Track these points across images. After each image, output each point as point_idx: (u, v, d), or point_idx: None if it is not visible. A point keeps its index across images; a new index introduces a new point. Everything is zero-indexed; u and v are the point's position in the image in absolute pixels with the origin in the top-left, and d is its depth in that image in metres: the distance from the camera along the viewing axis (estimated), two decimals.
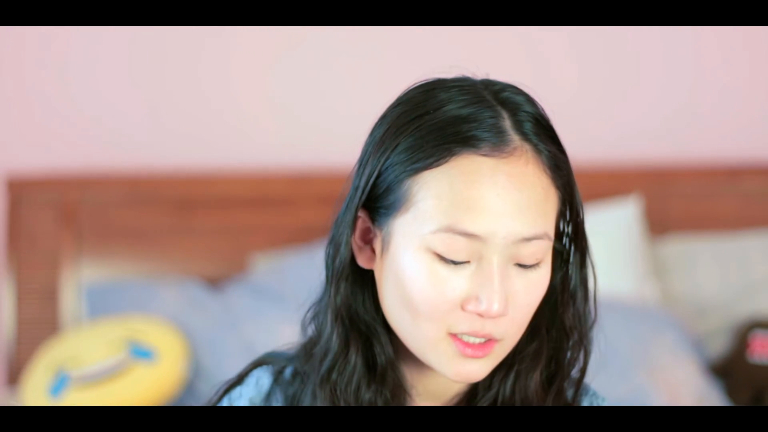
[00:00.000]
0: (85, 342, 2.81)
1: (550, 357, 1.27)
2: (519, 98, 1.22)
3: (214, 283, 3.09)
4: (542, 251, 1.18)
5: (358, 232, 1.24)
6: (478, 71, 1.26)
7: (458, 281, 1.17)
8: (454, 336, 1.19)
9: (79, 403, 2.65)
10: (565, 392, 1.27)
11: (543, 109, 1.24)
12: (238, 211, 3.18)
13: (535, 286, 1.19)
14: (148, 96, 3.24)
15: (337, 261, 1.24)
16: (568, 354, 1.27)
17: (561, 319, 1.26)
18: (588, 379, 1.31)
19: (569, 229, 1.25)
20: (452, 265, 1.17)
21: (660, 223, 3.24)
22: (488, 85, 1.23)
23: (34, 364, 2.83)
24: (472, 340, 1.19)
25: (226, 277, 3.11)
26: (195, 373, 2.77)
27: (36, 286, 3.13)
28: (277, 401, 1.31)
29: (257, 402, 1.31)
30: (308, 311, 1.30)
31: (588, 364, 1.28)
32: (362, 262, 1.25)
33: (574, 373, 1.28)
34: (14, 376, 3.09)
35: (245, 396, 1.32)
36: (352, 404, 1.24)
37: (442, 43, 3.24)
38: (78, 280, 3.12)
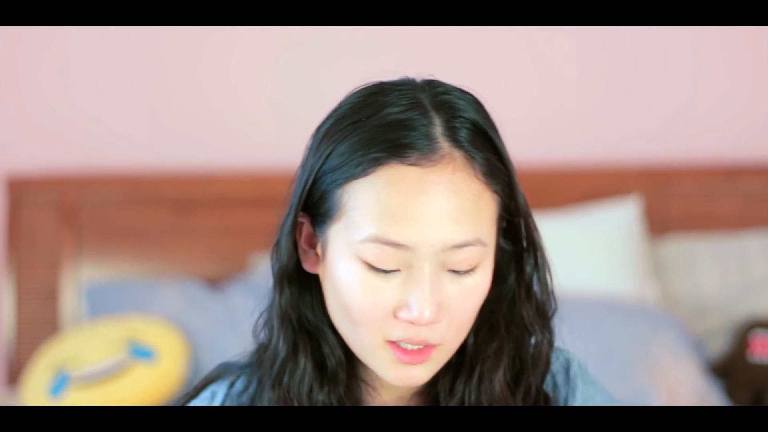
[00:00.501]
0: (85, 342, 2.81)
1: (513, 356, 1.27)
2: (460, 103, 1.21)
3: (214, 283, 3.09)
4: (476, 257, 1.18)
5: (303, 237, 1.25)
6: (424, 73, 1.25)
7: (389, 290, 1.17)
8: (391, 343, 1.19)
9: (79, 403, 2.65)
10: (533, 389, 1.27)
11: (487, 114, 1.23)
12: (238, 211, 3.18)
13: (470, 291, 1.19)
14: (149, 96, 3.24)
15: (281, 265, 1.25)
16: (531, 350, 1.27)
17: (520, 317, 1.26)
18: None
19: (520, 231, 1.25)
20: (383, 274, 1.17)
21: (660, 223, 3.24)
22: (429, 88, 1.22)
23: (34, 364, 2.83)
24: (409, 347, 1.19)
25: (227, 277, 3.11)
26: (195, 373, 2.77)
27: (36, 285, 3.13)
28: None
29: None
30: (259, 317, 1.30)
31: (551, 354, 1.28)
32: (307, 266, 1.25)
33: (540, 366, 1.28)
34: (14, 376, 3.09)
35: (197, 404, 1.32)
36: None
37: (443, 43, 3.24)
38: (78, 280, 3.12)
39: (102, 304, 2.99)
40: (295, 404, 1.24)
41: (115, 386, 2.70)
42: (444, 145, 1.18)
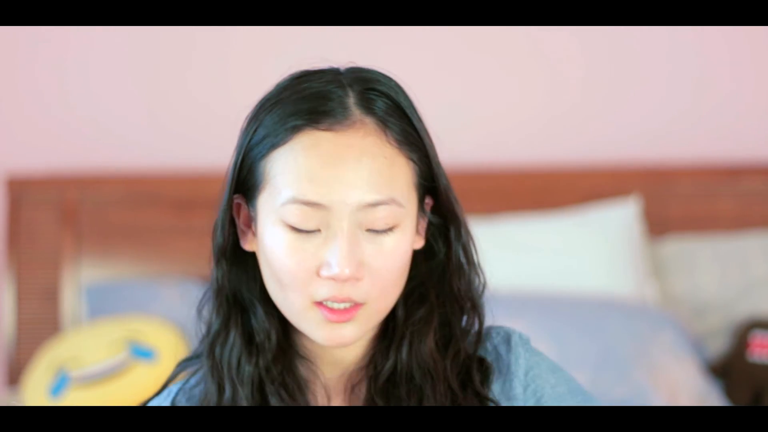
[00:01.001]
0: (85, 342, 2.81)
1: (442, 323, 1.32)
2: (377, 79, 1.30)
3: None
4: (392, 216, 1.24)
5: (241, 218, 1.33)
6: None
7: (311, 249, 1.24)
8: (318, 304, 1.25)
9: (79, 403, 2.65)
10: (462, 353, 1.32)
11: (406, 95, 1.29)
12: None
13: (389, 251, 1.25)
14: (149, 96, 3.24)
15: (217, 243, 1.34)
16: (464, 321, 1.33)
17: (450, 289, 1.32)
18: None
19: (439, 204, 1.31)
20: (305, 235, 1.24)
21: (660, 223, 3.24)
22: (350, 70, 1.32)
23: (35, 365, 2.83)
24: (336, 306, 1.25)
25: None
26: None
27: (36, 285, 3.13)
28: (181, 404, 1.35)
29: None
30: (202, 299, 1.36)
31: (483, 325, 1.34)
32: (245, 244, 1.32)
33: (471, 337, 1.33)
34: (14, 376, 3.09)
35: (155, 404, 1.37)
36: (234, 378, 1.29)
37: (446, 43, 3.24)
38: (78, 280, 3.12)
39: (102, 304, 2.99)
40: (225, 375, 1.29)
41: (115, 386, 2.70)
42: (356, 112, 1.26)
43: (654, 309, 2.97)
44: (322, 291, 1.24)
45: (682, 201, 3.26)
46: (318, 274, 1.24)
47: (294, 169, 1.24)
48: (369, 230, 1.24)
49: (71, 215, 3.15)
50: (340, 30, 3.16)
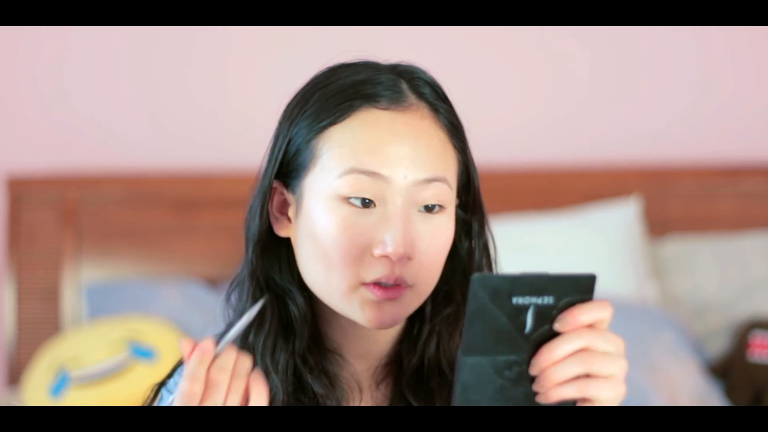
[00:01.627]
0: (86, 342, 2.81)
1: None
2: (420, 72, 1.33)
3: (215, 283, 3.09)
4: (444, 195, 1.26)
5: (275, 204, 1.32)
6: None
7: (365, 226, 1.24)
8: (365, 284, 1.25)
9: (80, 402, 2.65)
10: None
11: (443, 88, 1.32)
12: (238, 211, 3.16)
13: (439, 231, 1.26)
14: (150, 96, 3.24)
15: (253, 228, 1.32)
16: None
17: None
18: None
19: (469, 199, 1.33)
20: (359, 210, 1.24)
21: (660, 223, 3.24)
22: (389, 65, 1.35)
23: (35, 364, 2.83)
24: (383, 284, 1.24)
25: (227, 277, 3.10)
26: None
27: (36, 285, 3.14)
28: None
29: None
30: (231, 284, 1.35)
31: None
32: (279, 230, 1.31)
33: None
34: (15, 376, 3.09)
35: (173, 385, 1.35)
36: (269, 365, 1.29)
37: (449, 42, 3.24)
38: (78, 280, 3.12)
39: (102, 304, 2.99)
40: (258, 361, 1.28)
41: (115, 386, 2.70)
42: (411, 96, 1.29)
43: (654, 309, 2.97)
44: (374, 272, 1.24)
45: (682, 201, 3.26)
46: (371, 253, 1.24)
47: (352, 142, 1.25)
48: (420, 210, 1.25)
49: (72, 215, 3.15)
50: (341, 30, 3.16)
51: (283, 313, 1.31)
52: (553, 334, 1.11)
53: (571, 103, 3.31)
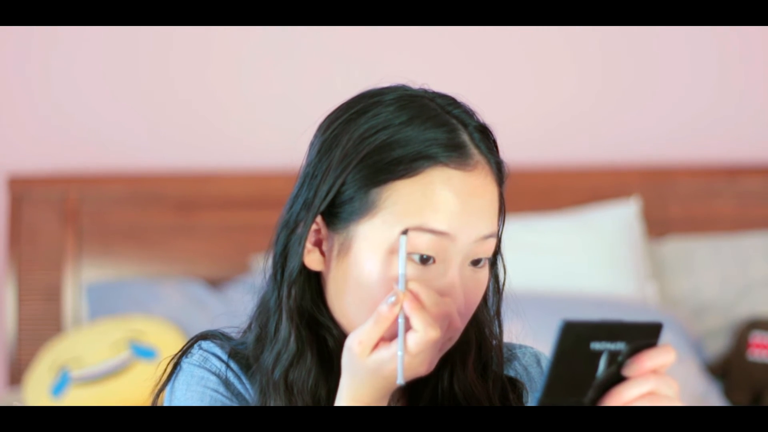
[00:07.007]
0: (87, 342, 2.81)
1: (478, 346, 1.33)
2: (462, 113, 1.30)
3: (216, 283, 3.09)
4: (492, 248, 1.27)
5: (309, 235, 1.29)
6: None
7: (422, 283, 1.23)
8: None
9: (81, 401, 2.65)
10: (499, 377, 1.33)
11: (483, 120, 1.31)
12: (239, 211, 3.18)
13: (483, 284, 1.28)
14: (151, 96, 3.24)
15: (292, 268, 1.28)
16: (493, 342, 1.34)
17: (482, 312, 1.33)
18: None
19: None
20: (418, 267, 1.23)
21: (659, 223, 3.24)
22: (432, 98, 1.31)
23: (36, 364, 2.83)
24: None
25: (228, 277, 3.11)
26: None
27: (37, 285, 3.14)
28: (233, 366, 1.32)
29: (219, 359, 1.32)
30: (255, 311, 1.34)
31: (501, 344, 1.35)
32: (311, 263, 1.29)
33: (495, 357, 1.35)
34: (16, 376, 3.09)
35: (195, 360, 1.32)
36: (309, 402, 1.27)
37: (449, 43, 3.25)
38: (79, 280, 3.12)
39: (103, 304, 2.99)
40: (299, 399, 1.26)
41: (116, 385, 2.70)
42: (474, 152, 1.27)
43: (654, 309, 2.98)
44: None
45: (682, 201, 3.26)
46: None
47: (422, 200, 1.23)
48: (470, 263, 1.25)
49: (72, 215, 3.15)
50: (343, 30, 3.16)
51: (322, 349, 1.29)
52: (618, 378, 1.17)
53: (571, 104, 3.31)
